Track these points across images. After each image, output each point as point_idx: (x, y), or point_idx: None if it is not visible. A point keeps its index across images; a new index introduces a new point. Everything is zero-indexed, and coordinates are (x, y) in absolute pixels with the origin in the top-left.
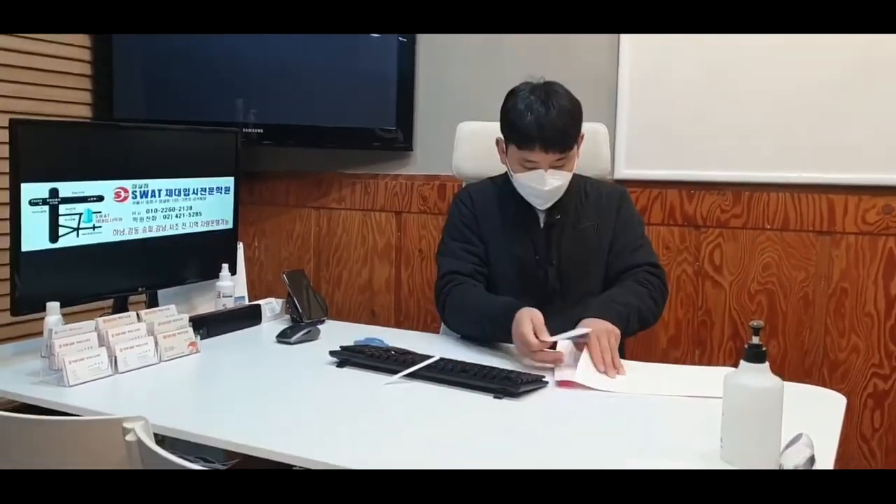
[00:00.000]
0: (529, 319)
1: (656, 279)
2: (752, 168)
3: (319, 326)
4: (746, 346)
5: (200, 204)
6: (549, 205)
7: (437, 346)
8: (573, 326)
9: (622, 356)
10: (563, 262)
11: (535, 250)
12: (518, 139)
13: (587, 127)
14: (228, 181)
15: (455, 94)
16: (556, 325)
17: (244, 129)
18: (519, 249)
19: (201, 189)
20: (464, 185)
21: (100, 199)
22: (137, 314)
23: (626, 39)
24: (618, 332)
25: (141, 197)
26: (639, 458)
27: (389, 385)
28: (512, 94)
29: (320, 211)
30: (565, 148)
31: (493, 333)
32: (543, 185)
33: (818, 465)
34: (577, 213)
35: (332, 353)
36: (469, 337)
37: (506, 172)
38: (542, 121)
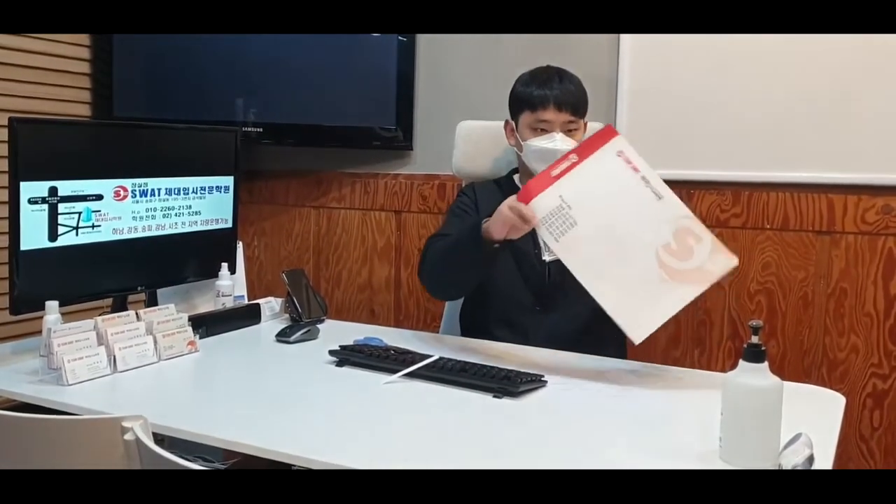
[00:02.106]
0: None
1: None
2: (752, 168)
3: (319, 326)
4: (746, 345)
5: (200, 203)
6: None
7: (437, 345)
8: (573, 324)
9: (624, 349)
10: None
11: (535, 244)
12: (531, 102)
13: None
14: (228, 180)
15: (455, 94)
16: (558, 321)
17: (244, 128)
18: (518, 242)
19: (201, 188)
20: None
21: (99, 197)
22: (136, 313)
23: (627, 39)
24: None
25: (140, 196)
26: (639, 458)
27: (388, 384)
28: (521, 76)
29: (320, 210)
30: (576, 112)
31: (465, 252)
32: (556, 144)
33: (817, 465)
34: None
35: (331, 352)
36: (447, 283)
37: (508, 174)
38: (555, 83)
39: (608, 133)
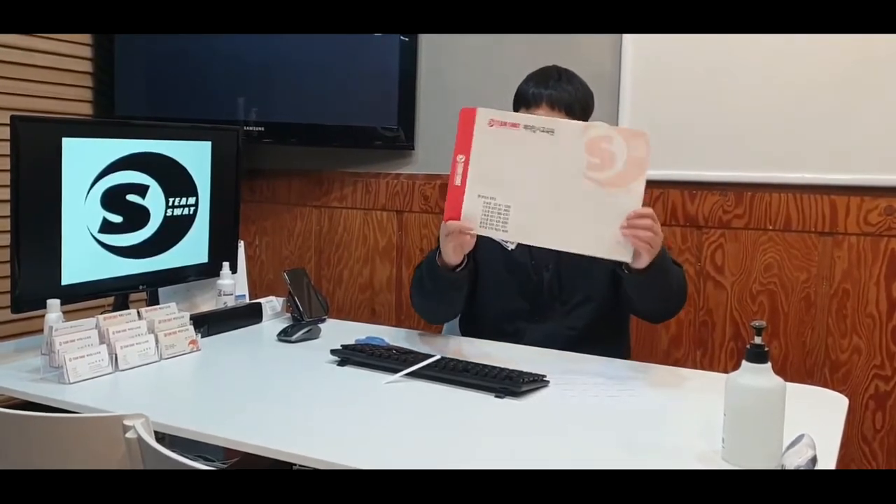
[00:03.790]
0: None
1: (681, 269)
2: (755, 168)
3: (320, 325)
4: (748, 346)
5: (201, 201)
6: None
7: (438, 345)
8: (571, 332)
9: (627, 357)
10: (561, 266)
11: (531, 254)
12: (526, 100)
13: None
14: (230, 179)
15: (457, 94)
16: (555, 330)
17: (245, 128)
18: (513, 253)
19: (202, 187)
20: None
21: (101, 196)
22: (138, 312)
23: (629, 39)
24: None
25: (142, 195)
26: (641, 459)
27: (390, 384)
28: (528, 75)
29: (321, 209)
30: (571, 111)
31: (433, 284)
32: None
33: (820, 466)
34: None
35: (332, 351)
36: (433, 312)
37: None
38: (552, 82)
39: (468, 115)
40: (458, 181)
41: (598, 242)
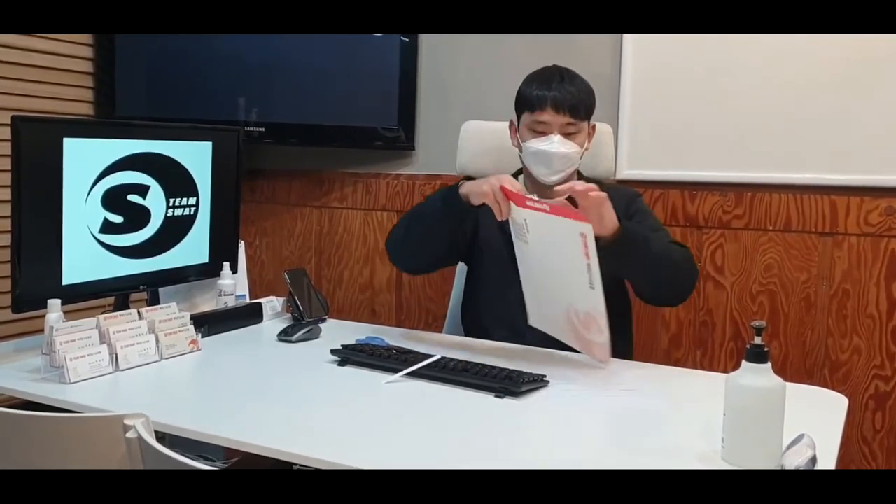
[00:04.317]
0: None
1: (682, 248)
2: (755, 169)
3: (320, 325)
4: (748, 346)
5: (202, 202)
6: (556, 177)
7: (438, 345)
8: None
9: (629, 357)
10: None
11: None
12: (530, 103)
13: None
14: (230, 179)
15: (457, 94)
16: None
17: (246, 128)
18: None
19: (202, 187)
20: None
21: (102, 196)
22: (139, 312)
23: (629, 39)
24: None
25: (142, 195)
26: (641, 459)
27: (390, 384)
28: (528, 75)
29: (322, 210)
30: (576, 113)
31: (437, 205)
32: (552, 146)
33: (819, 466)
34: None
35: (333, 351)
36: (410, 243)
37: (513, 175)
38: (555, 84)
39: (582, 216)
40: (528, 203)
41: (535, 309)
